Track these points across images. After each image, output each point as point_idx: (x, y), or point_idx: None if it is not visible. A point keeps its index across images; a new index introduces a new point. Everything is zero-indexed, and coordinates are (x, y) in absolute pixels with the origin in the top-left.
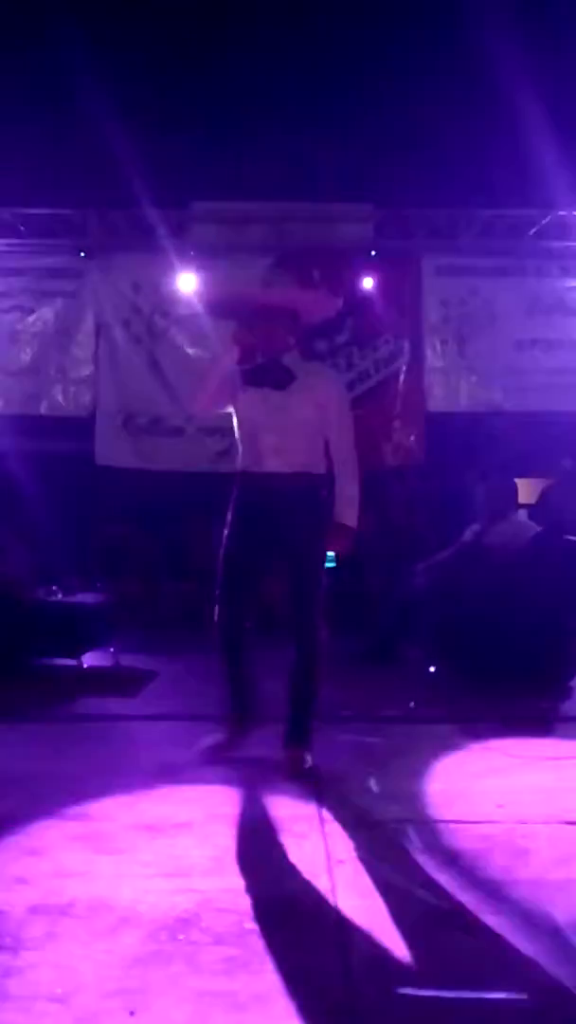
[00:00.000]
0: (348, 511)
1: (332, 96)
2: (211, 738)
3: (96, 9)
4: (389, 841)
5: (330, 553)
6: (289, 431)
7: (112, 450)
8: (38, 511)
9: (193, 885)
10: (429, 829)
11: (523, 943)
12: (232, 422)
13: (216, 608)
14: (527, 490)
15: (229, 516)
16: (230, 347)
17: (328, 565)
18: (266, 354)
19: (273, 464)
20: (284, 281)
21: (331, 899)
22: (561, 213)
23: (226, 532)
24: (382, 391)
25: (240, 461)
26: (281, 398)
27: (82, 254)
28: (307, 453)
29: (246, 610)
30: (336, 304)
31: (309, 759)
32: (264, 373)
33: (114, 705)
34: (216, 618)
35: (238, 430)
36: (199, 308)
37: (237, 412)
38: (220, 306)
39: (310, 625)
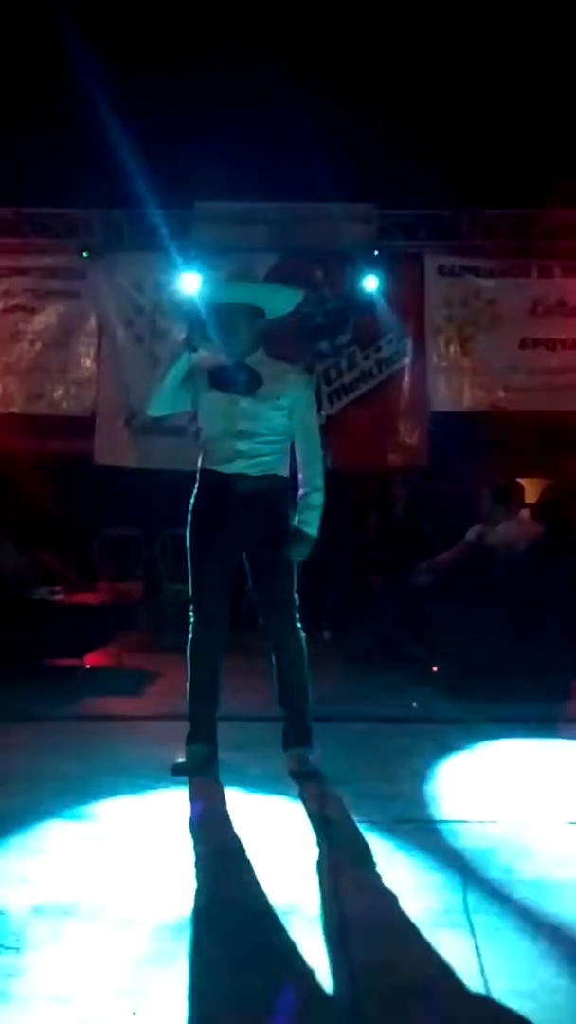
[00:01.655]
0: (311, 519)
1: (336, 96)
2: (181, 757)
3: (99, 9)
4: (390, 841)
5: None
6: (256, 437)
7: (112, 449)
8: (38, 511)
9: (194, 885)
10: (430, 829)
11: (525, 943)
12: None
13: (192, 616)
14: (530, 490)
15: (191, 516)
16: (188, 345)
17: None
18: (230, 355)
19: (237, 466)
20: (243, 278)
21: (333, 899)
22: (564, 213)
23: (188, 534)
24: (385, 391)
25: (204, 460)
26: (249, 404)
27: (85, 254)
28: (274, 457)
29: (220, 612)
30: (298, 295)
31: (311, 759)
32: (230, 375)
33: (116, 705)
34: (192, 623)
35: (203, 431)
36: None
37: (202, 414)
38: (184, 309)
39: (289, 626)
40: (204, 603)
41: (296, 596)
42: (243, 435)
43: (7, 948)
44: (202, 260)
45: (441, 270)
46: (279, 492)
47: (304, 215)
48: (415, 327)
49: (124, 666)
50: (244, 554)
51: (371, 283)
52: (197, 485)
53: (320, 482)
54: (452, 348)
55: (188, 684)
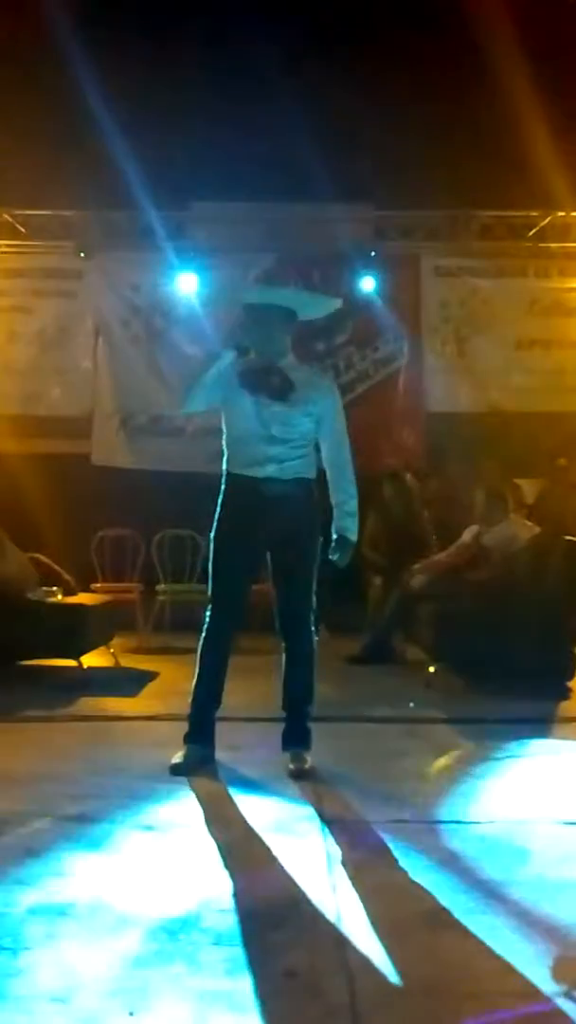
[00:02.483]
0: (351, 525)
1: (332, 97)
2: (179, 756)
3: (96, 11)
4: (388, 841)
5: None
6: (287, 442)
7: (109, 450)
8: (38, 511)
9: (193, 885)
10: (429, 829)
11: (523, 944)
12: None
13: (208, 612)
14: (526, 490)
15: (218, 519)
16: (226, 348)
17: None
18: (263, 356)
19: (268, 470)
20: (282, 280)
21: (331, 899)
22: (560, 215)
23: (214, 536)
24: (381, 392)
25: (231, 463)
26: (280, 408)
27: (82, 255)
28: (302, 462)
29: (238, 614)
30: (336, 303)
31: (309, 760)
32: (262, 379)
33: (114, 705)
34: (207, 621)
35: (230, 432)
36: (197, 309)
37: (230, 415)
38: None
39: (303, 628)
40: (224, 601)
41: (313, 601)
42: (273, 440)
43: (3, 949)
44: (198, 261)
45: (438, 271)
46: (307, 495)
47: (301, 216)
48: (412, 328)
49: (121, 667)
50: (269, 557)
51: (368, 284)
52: (224, 488)
53: (354, 488)
54: (448, 349)
55: (195, 680)
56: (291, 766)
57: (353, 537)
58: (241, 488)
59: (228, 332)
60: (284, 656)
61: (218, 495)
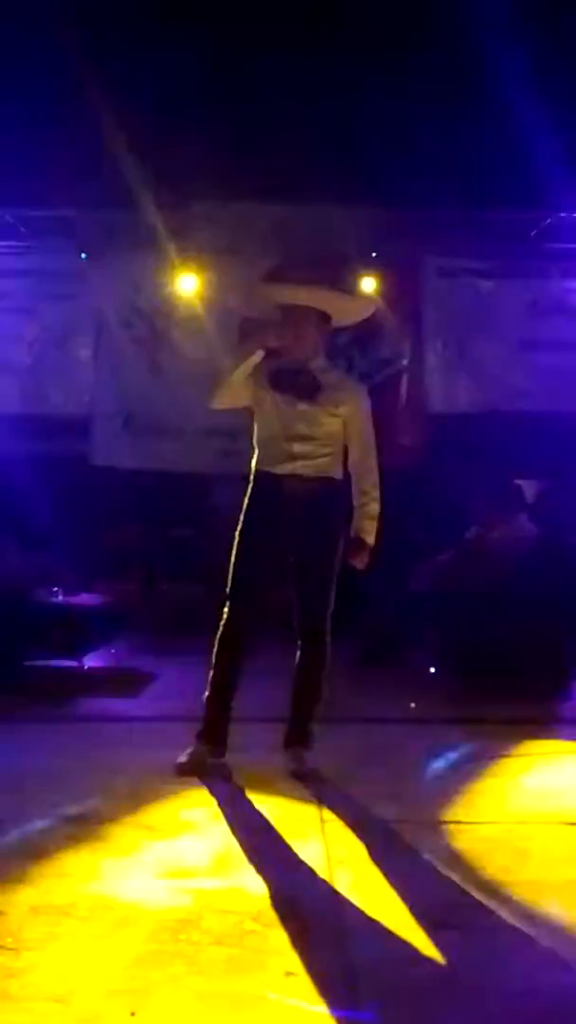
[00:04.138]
0: (369, 527)
1: (333, 96)
2: (185, 755)
3: (96, 10)
4: (389, 841)
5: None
6: (314, 441)
7: (109, 451)
8: (38, 511)
9: (194, 885)
10: (429, 829)
11: (523, 944)
12: (241, 421)
13: (226, 608)
14: (528, 492)
15: (243, 516)
16: (258, 348)
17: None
18: (293, 357)
19: (293, 468)
20: (319, 281)
21: (331, 899)
22: (562, 215)
23: (239, 532)
24: (382, 393)
25: (258, 461)
26: (309, 408)
27: (83, 256)
28: (328, 460)
29: (256, 612)
30: (371, 307)
31: (308, 759)
32: (291, 379)
33: (115, 706)
34: (225, 618)
35: (258, 431)
36: (199, 309)
37: (259, 414)
38: (250, 305)
39: (320, 629)
40: (242, 598)
41: (332, 603)
42: (299, 438)
43: (5, 949)
44: (200, 261)
45: (439, 272)
46: (331, 494)
47: (302, 216)
48: (413, 329)
49: (122, 667)
50: (291, 555)
51: (369, 285)
52: (251, 485)
53: (376, 492)
54: (450, 350)
55: (209, 679)
56: (292, 766)
57: (371, 540)
58: (265, 485)
59: (250, 330)
60: (298, 655)
61: (231, 495)
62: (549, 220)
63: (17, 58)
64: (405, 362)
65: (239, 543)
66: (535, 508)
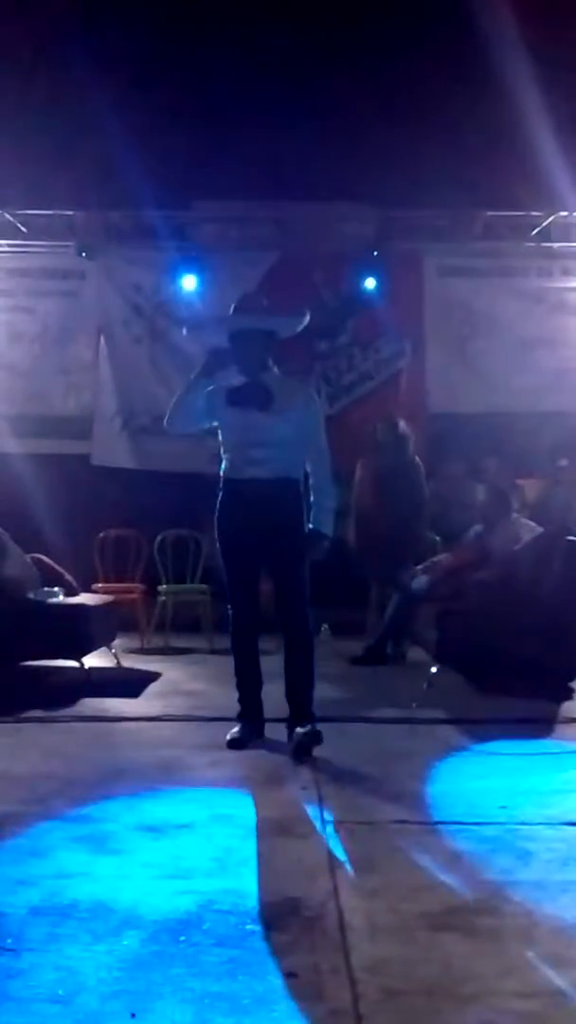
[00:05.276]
0: (325, 520)
1: (335, 97)
2: (232, 734)
3: (97, 11)
4: (390, 842)
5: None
6: (271, 446)
7: (109, 451)
8: (38, 511)
9: (194, 886)
10: (430, 830)
11: (524, 945)
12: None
13: (231, 612)
14: (529, 491)
15: (217, 521)
16: (199, 374)
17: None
18: (246, 374)
19: (256, 472)
20: (253, 307)
21: (332, 900)
22: (563, 214)
23: (217, 536)
24: (383, 392)
25: (225, 469)
26: (263, 418)
27: (83, 255)
28: (286, 462)
29: (253, 607)
30: (302, 320)
31: (314, 730)
32: (246, 394)
33: (115, 706)
34: (231, 620)
35: (223, 442)
36: (199, 308)
37: (222, 428)
38: (201, 331)
39: (301, 614)
40: (237, 595)
41: (307, 591)
42: (257, 444)
43: (5, 949)
44: (200, 261)
45: (440, 270)
46: (293, 493)
47: (303, 216)
48: (414, 328)
49: (123, 667)
50: (265, 551)
51: (370, 284)
52: (221, 492)
53: (330, 487)
54: (450, 349)
55: (234, 669)
56: (294, 750)
57: (327, 531)
58: (233, 490)
59: (204, 357)
60: (284, 645)
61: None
62: (550, 219)
63: (19, 61)
64: (406, 361)
65: (221, 546)
66: (536, 507)
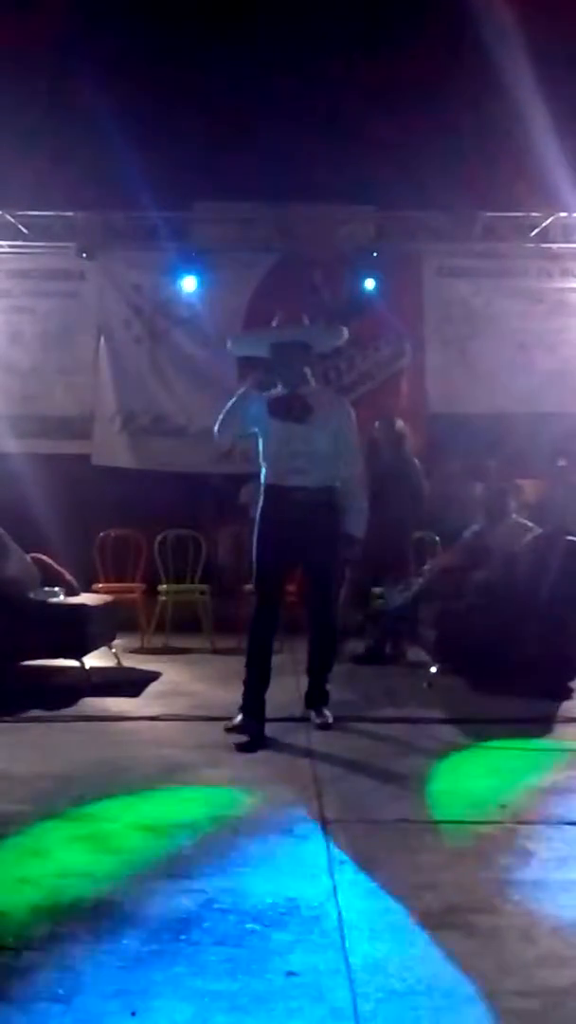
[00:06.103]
0: (358, 523)
1: (335, 98)
2: (239, 737)
3: (98, 12)
4: (390, 841)
5: None
6: (310, 456)
7: (109, 451)
8: (38, 511)
9: (195, 885)
10: (430, 829)
11: (524, 944)
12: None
13: (254, 609)
14: (529, 491)
15: (258, 524)
16: (250, 385)
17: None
18: (286, 386)
19: (297, 480)
20: (293, 321)
21: (332, 899)
22: (563, 215)
23: (256, 538)
24: (383, 392)
25: (268, 477)
26: (304, 430)
27: (84, 256)
28: (326, 471)
29: (277, 605)
30: (340, 335)
31: (329, 715)
32: (287, 406)
33: (116, 706)
34: (254, 614)
35: (264, 451)
36: (199, 309)
37: (263, 437)
38: (242, 347)
39: (331, 610)
40: (266, 593)
41: (337, 593)
42: (299, 454)
43: (5, 948)
44: (201, 261)
45: (440, 271)
46: (331, 499)
47: (303, 216)
48: (414, 328)
49: (123, 667)
50: (302, 554)
51: (370, 284)
52: (263, 497)
53: (361, 490)
54: (450, 349)
55: (245, 663)
56: (316, 720)
57: (359, 534)
58: (275, 496)
59: (245, 370)
60: (311, 629)
61: (231, 498)
62: (550, 220)
63: (20, 62)
64: (406, 362)
65: (258, 546)
66: (535, 507)
